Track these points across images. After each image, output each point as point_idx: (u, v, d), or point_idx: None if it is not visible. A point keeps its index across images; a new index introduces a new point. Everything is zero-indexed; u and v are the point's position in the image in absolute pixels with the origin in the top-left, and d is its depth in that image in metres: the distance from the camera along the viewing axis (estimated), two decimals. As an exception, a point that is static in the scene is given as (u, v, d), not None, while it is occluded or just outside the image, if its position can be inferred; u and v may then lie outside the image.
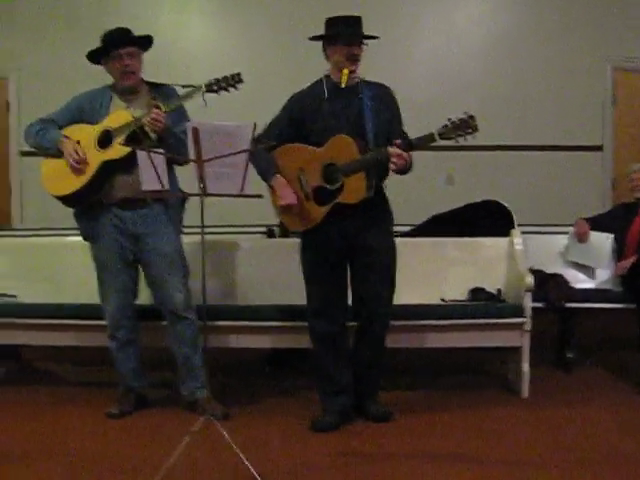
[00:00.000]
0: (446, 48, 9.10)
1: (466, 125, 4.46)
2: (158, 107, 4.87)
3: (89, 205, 5.09)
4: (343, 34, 4.73)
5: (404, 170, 4.67)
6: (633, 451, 4.48)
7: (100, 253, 5.16)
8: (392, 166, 4.57)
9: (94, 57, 5.12)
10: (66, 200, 5.10)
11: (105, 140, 4.95)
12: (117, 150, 4.84)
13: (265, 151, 4.77)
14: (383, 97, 4.89)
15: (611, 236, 6.47)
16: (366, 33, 4.79)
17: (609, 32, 9.08)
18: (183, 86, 4.98)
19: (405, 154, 4.54)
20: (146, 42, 5.14)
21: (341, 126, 4.73)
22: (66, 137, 5.03)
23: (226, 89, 4.89)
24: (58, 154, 5.04)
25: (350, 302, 5.03)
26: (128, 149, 4.75)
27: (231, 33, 9.23)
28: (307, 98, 4.88)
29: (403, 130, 4.88)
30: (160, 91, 5.15)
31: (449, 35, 9.16)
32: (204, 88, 4.86)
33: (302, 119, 4.85)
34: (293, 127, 4.86)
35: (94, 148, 4.97)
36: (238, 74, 4.88)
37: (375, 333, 4.97)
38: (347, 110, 4.79)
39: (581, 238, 6.54)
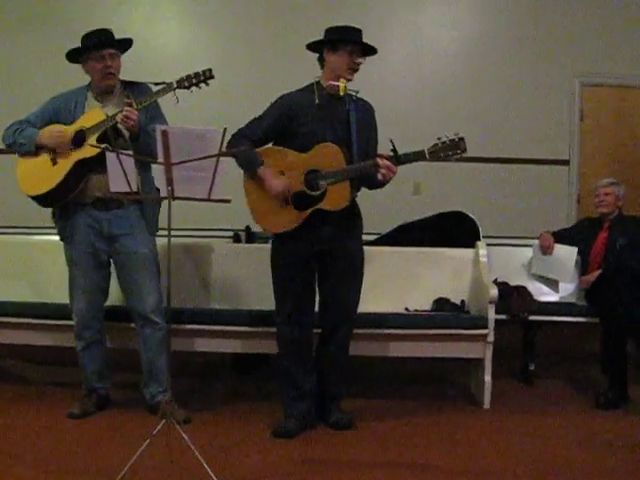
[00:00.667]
0: (416, 62, 9.14)
1: (456, 146, 4.55)
2: (130, 105, 4.85)
3: (65, 205, 5.07)
4: (349, 41, 4.76)
5: (385, 183, 4.72)
6: (589, 463, 4.52)
7: (73, 253, 5.13)
8: (380, 177, 4.62)
9: (73, 56, 5.11)
10: (41, 199, 5.07)
11: (79, 139, 4.93)
12: (90, 149, 4.80)
13: (248, 146, 4.78)
14: (366, 113, 4.94)
15: (575, 249, 6.50)
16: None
17: (577, 48, 9.17)
18: (156, 84, 4.96)
19: (394, 168, 4.61)
20: (126, 45, 5.14)
21: (327, 134, 4.76)
22: None
23: (197, 85, 4.88)
24: (33, 152, 5.03)
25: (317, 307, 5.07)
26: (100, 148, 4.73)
27: (201, 35, 9.23)
28: (297, 101, 4.86)
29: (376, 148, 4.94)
30: (134, 89, 5.13)
31: (419, 48, 9.21)
32: (175, 84, 4.86)
33: (290, 120, 4.81)
34: (278, 126, 4.84)
35: (68, 147, 4.95)
36: (209, 70, 4.87)
37: (342, 337, 5.01)
38: (335, 119, 4.82)
39: (546, 251, 6.58)
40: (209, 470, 3.91)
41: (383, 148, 4.81)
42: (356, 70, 4.81)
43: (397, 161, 4.62)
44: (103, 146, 4.56)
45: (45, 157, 5.02)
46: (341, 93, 4.76)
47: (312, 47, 4.89)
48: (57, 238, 5.24)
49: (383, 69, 8.87)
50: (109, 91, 5.12)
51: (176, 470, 4.11)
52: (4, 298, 5.84)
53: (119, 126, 4.89)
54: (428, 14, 9.36)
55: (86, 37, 5.04)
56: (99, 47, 4.99)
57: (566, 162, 9.28)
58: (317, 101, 4.81)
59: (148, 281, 5.12)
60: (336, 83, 4.76)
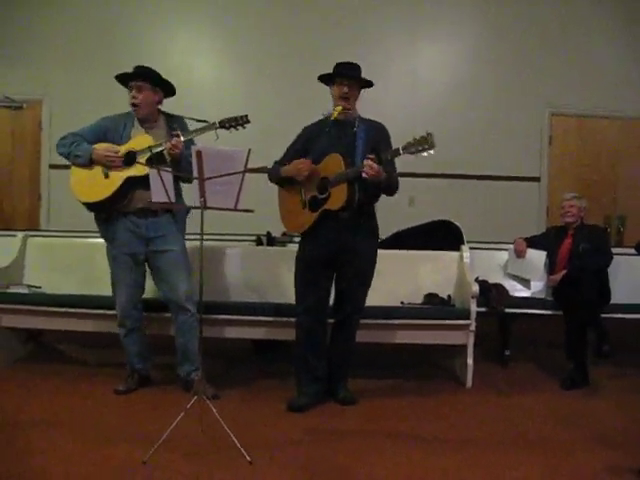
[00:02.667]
0: (411, 96, 9.17)
1: (425, 141, 4.42)
2: (178, 136, 4.92)
3: (110, 212, 5.08)
4: (337, 74, 4.85)
5: (378, 182, 4.66)
6: (555, 433, 4.55)
7: (116, 252, 5.14)
8: (364, 174, 4.57)
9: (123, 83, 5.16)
10: (92, 206, 5.08)
11: (129, 159, 4.95)
12: (140, 168, 4.84)
13: (277, 166, 4.96)
14: (374, 130, 4.90)
15: (544, 253, 6.49)
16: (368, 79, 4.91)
17: (548, 83, 9.21)
18: (198, 120, 5.00)
19: (375, 165, 4.53)
20: (152, 76, 5.10)
21: (335, 149, 4.76)
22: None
23: (235, 127, 4.95)
24: (87, 164, 5.01)
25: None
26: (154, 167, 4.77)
27: (229, 72, 9.27)
28: (313, 128, 4.99)
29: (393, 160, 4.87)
30: (174, 121, 5.18)
31: (413, 85, 9.29)
32: (217, 125, 4.93)
33: (307, 144, 4.93)
34: (302, 150, 4.93)
35: (120, 166, 4.98)
36: (246, 116, 4.96)
37: (351, 327, 5.01)
38: (342, 138, 4.84)
39: (519, 254, 6.56)
40: (234, 438, 3.92)
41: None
42: (345, 98, 4.82)
43: (378, 160, 4.56)
44: (153, 167, 4.58)
45: (98, 170, 5.01)
46: (331, 118, 4.83)
47: (324, 81, 4.97)
48: (103, 240, 5.26)
49: (384, 102, 8.87)
50: (153, 120, 5.15)
51: (206, 439, 4.10)
52: (62, 291, 5.87)
53: (164, 152, 4.93)
54: (422, 59, 9.42)
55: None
56: (128, 80, 5.08)
57: (537, 179, 9.30)
58: (328, 126, 4.86)
59: (179, 273, 5.13)
60: (330, 112, 4.88)
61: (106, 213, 5.10)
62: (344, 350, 5.05)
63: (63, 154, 5.10)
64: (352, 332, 5.04)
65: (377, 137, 4.87)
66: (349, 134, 4.84)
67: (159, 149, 4.93)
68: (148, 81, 5.07)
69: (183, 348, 5.18)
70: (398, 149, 4.53)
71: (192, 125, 5.10)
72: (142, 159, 4.89)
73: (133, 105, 5.07)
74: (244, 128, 4.98)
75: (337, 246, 4.82)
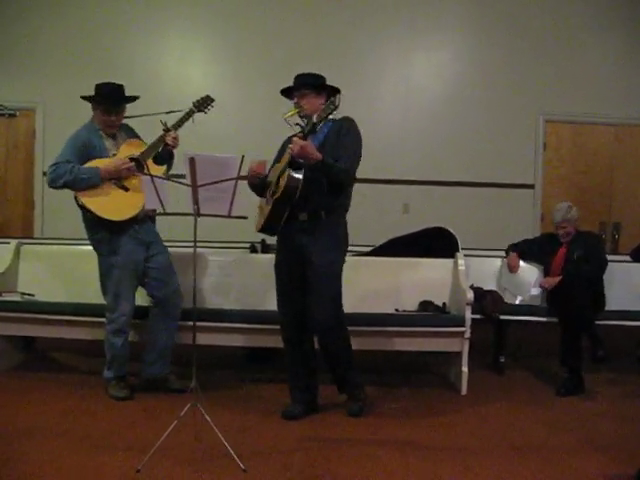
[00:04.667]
0: (404, 103, 9.18)
1: (331, 103, 4.44)
2: (168, 130, 5.08)
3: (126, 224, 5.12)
4: (293, 88, 4.85)
5: (314, 163, 4.52)
6: (551, 439, 4.55)
7: (123, 261, 5.13)
8: (289, 151, 4.52)
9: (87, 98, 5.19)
10: (121, 222, 5.04)
11: (138, 165, 4.99)
12: (156, 171, 4.82)
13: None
14: (335, 130, 4.76)
15: (537, 271, 6.50)
16: (335, 86, 4.84)
17: (542, 90, 9.25)
18: (167, 112, 5.13)
19: (299, 140, 4.45)
20: (133, 99, 5.21)
21: None
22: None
23: (207, 107, 5.28)
24: (99, 183, 4.96)
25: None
26: (163, 167, 5.09)
27: (223, 80, 9.23)
28: (288, 138, 4.91)
29: (346, 148, 4.74)
30: (125, 128, 5.30)
31: (406, 92, 9.32)
32: (195, 109, 5.21)
33: (282, 151, 4.88)
34: (278, 159, 4.88)
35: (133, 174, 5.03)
36: (208, 95, 5.32)
37: (328, 338, 4.82)
38: (307, 137, 4.68)
39: (512, 270, 6.54)
40: (228, 446, 3.91)
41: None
42: (299, 106, 4.78)
43: (304, 135, 4.54)
44: (146, 174, 4.64)
45: (111, 186, 5.01)
46: (285, 118, 4.79)
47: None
48: (91, 248, 5.30)
49: (377, 110, 8.92)
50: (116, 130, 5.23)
51: (200, 446, 4.10)
52: (56, 299, 5.87)
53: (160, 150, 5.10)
54: (415, 67, 9.47)
55: (101, 88, 5.17)
56: (111, 103, 5.10)
57: (531, 186, 9.34)
58: (299, 129, 4.82)
59: (174, 280, 5.30)
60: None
61: (119, 226, 5.08)
62: (331, 360, 4.90)
63: (67, 183, 4.96)
64: (332, 343, 4.82)
65: (334, 136, 4.75)
66: (314, 132, 4.70)
67: (162, 144, 5.05)
68: (126, 102, 5.22)
69: (162, 349, 5.27)
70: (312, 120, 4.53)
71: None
72: (150, 162, 4.97)
73: (113, 127, 5.15)
74: (212, 107, 5.28)
75: (298, 252, 4.71)
